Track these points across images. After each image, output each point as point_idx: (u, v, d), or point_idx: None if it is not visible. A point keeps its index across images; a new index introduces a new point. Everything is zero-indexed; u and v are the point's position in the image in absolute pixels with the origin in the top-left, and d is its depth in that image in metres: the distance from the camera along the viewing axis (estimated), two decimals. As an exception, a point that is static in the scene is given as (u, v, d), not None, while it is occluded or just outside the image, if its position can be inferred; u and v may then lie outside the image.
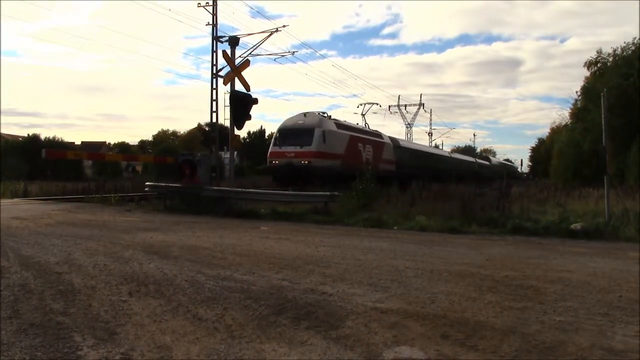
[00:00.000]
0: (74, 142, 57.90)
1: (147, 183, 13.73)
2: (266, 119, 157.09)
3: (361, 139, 28.20)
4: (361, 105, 34.93)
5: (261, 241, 7.29)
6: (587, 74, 31.14)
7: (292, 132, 24.10)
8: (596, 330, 3.38)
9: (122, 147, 61.44)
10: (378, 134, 32.14)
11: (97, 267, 5.05)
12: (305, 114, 24.12)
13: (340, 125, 26.19)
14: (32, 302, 3.77)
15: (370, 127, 38.68)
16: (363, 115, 34.71)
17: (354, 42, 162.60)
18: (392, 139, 34.33)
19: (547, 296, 4.29)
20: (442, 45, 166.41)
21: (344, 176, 21.81)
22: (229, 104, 13.80)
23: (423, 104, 60.61)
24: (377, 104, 34.85)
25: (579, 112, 32.05)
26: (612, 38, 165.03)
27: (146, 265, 5.23)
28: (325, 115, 25.50)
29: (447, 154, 52.15)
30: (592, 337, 3.23)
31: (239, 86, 13.53)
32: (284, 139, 24.24)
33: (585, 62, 30.23)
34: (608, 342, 3.13)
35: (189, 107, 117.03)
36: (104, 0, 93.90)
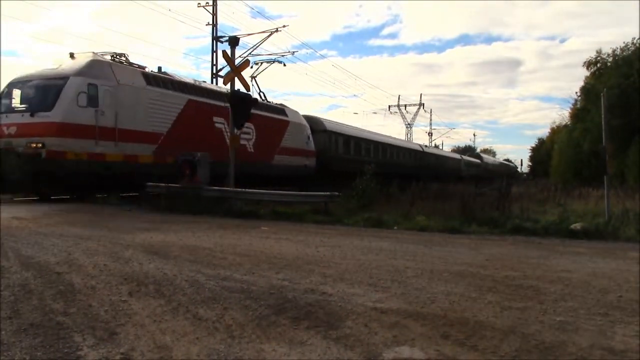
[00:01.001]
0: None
1: (147, 183, 13.70)
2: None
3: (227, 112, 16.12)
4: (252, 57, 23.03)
5: (261, 241, 7.29)
6: (587, 74, 31.19)
7: (27, 89, 13.03)
8: (596, 330, 3.38)
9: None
10: (276, 109, 21.29)
11: (97, 267, 5.05)
12: (72, 55, 13.83)
13: (157, 79, 15.10)
14: (32, 302, 3.76)
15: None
16: (254, 77, 22.57)
17: (354, 42, 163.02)
18: (312, 120, 23.73)
19: (547, 296, 4.29)
20: (442, 45, 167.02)
21: (157, 178, 12.95)
22: (229, 104, 13.79)
23: (423, 104, 60.63)
24: (276, 61, 24.13)
25: (578, 113, 32.11)
26: (612, 38, 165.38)
27: (146, 265, 5.23)
28: (115, 56, 14.78)
29: (417, 147, 40.79)
30: (592, 337, 3.23)
31: (238, 86, 13.53)
32: (11, 101, 13.11)
33: (585, 62, 30.27)
34: (608, 342, 3.14)
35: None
36: (104, 0, 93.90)
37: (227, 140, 16.31)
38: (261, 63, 23.98)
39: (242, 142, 17.81)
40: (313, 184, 18.15)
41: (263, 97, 22.01)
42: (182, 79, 16.88)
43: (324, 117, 26.01)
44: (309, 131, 22.92)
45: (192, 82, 17.29)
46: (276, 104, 22.22)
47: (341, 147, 25.59)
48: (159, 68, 16.54)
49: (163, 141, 14.79)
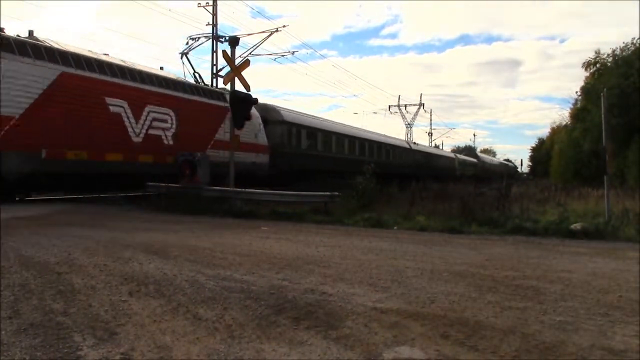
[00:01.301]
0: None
1: (147, 183, 13.73)
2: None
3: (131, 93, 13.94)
4: None
5: (261, 241, 7.29)
6: (587, 74, 31.15)
7: None
8: (596, 330, 3.38)
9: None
10: (211, 92, 17.91)
11: (97, 267, 5.05)
12: None
13: (8, 42, 11.42)
14: (32, 302, 3.76)
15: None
16: (185, 54, 19.86)
17: (354, 42, 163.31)
18: (266, 108, 19.87)
19: (547, 296, 4.29)
20: (442, 46, 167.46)
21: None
22: (229, 104, 13.80)
23: (423, 104, 60.51)
24: (217, 37, 21.45)
25: (578, 112, 32.09)
26: (612, 38, 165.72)
27: (146, 265, 5.23)
28: None
29: (404, 144, 36.96)
30: (592, 337, 3.23)
31: (239, 86, 13.54)
32: None
33: (584, 63, 30.24)
34: (608, 342, 3.13)
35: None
36: (104, 0, 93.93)
37: (129, 129, 14.10)
38: (197, 38, 21.15)
39: (157, 132, 14.84)
40: (266, 184, 15.93)
41: (198, 79, 18.94)
42: (56, 45, 12.96)
43: (283, 107, 22.05)
44: (260, 121, 18.99)
45: (73, 50, 13.48)
46: (218, 88, 18.49)
47: (304, 142, 21.84)
48: (30, 32, 12.71)
49: (15, 126, 11.16)
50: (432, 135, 67.27)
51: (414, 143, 43.22)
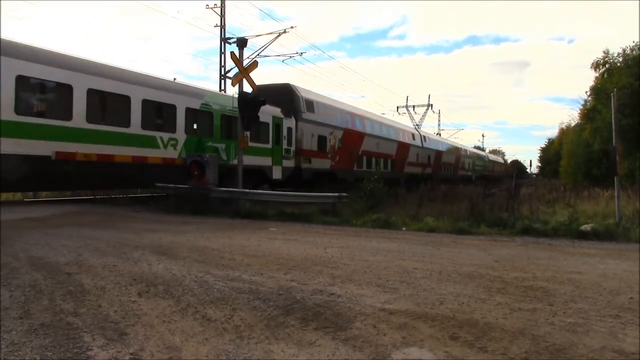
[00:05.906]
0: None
1: (156, 184, 13.79)
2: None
3: None
4: None
5: (269, 242, 7.30)
6: (596, 74, 30.81)
7: None
8: (607, 332, 3.35)
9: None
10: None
11: (107, 267, 5.08)
12: None
13: None
14: (43, 303, 3.79)
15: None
16: None
17: (362, 43, 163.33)
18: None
19: (557, 298, 4.26)
20: (450, 47, 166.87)
21: None
22: (237, 105, 13.82)
23: (431, 105, 60.20)
24: None
25: (588, 113, 31.79)
26: (621, 38, 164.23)
27: (155, 265, 5.26)
28: None
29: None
30: (603, 339, 3.20)
31: (247, 87, 13.56)
32: None
33: (592, 63, 29.89)
34: (619, 344, 3.10)
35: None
36: (114, 0, 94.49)
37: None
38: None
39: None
40: None
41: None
42: None
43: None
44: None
45: None
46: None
47: None
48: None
49: None
50: (440, 136, 67.11)
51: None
